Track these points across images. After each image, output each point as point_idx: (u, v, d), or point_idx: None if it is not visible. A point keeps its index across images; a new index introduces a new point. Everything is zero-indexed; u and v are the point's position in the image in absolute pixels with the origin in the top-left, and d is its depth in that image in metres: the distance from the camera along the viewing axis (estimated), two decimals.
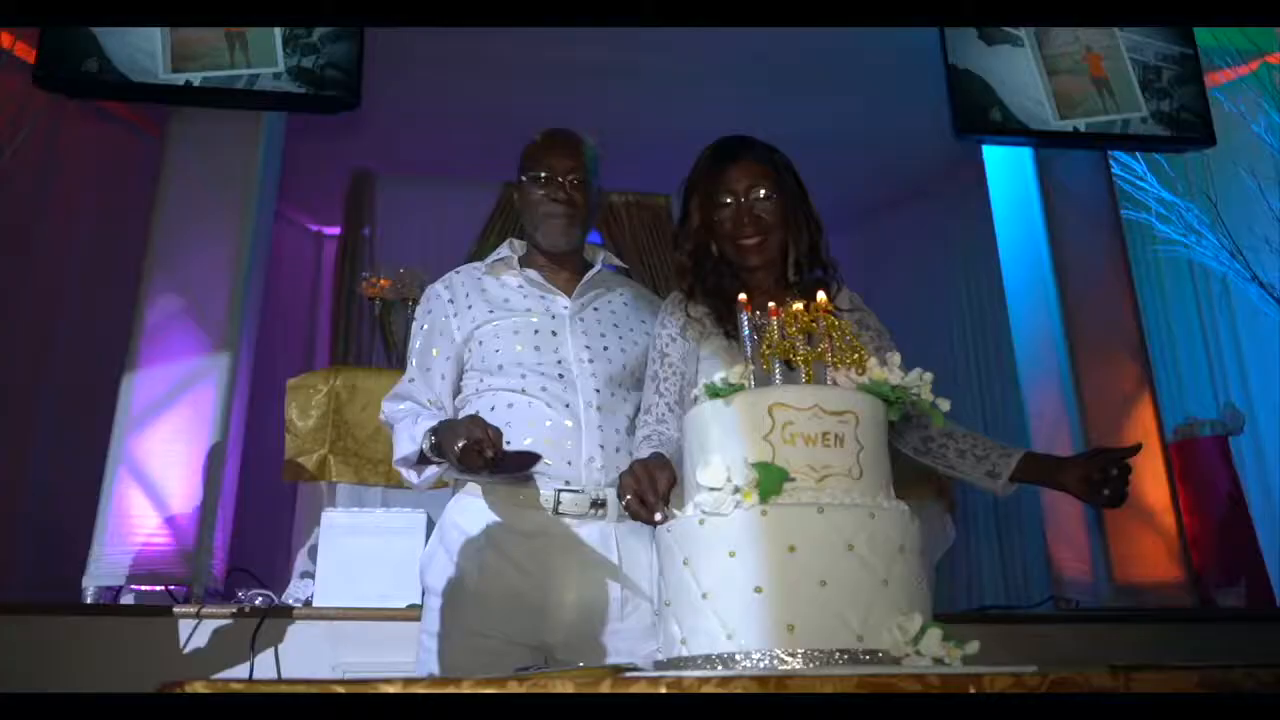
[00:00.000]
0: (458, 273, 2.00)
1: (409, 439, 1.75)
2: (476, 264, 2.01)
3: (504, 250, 1.99)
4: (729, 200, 1.79)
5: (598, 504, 1.75)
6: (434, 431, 1.70)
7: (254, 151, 3.59)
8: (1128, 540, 3.58)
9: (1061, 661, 0.93)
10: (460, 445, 1.57)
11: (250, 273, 3.49)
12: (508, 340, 1.85)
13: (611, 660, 1.68)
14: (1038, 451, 1.76)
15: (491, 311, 1.88)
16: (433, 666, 1.74)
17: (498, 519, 1.77)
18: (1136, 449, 1.68)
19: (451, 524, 1.83)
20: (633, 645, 1.72)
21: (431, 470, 1.77)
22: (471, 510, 1.80)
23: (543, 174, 1.90)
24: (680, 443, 1.62)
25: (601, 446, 1.78)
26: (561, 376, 1.82)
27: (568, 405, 1.80)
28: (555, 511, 1.75)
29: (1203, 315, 4.60)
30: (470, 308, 1.90)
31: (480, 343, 1.86)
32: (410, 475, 1.79)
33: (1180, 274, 4.64)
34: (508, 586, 1.72)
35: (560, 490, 1.74)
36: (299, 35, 3.60)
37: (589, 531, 1.76)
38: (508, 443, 1.63)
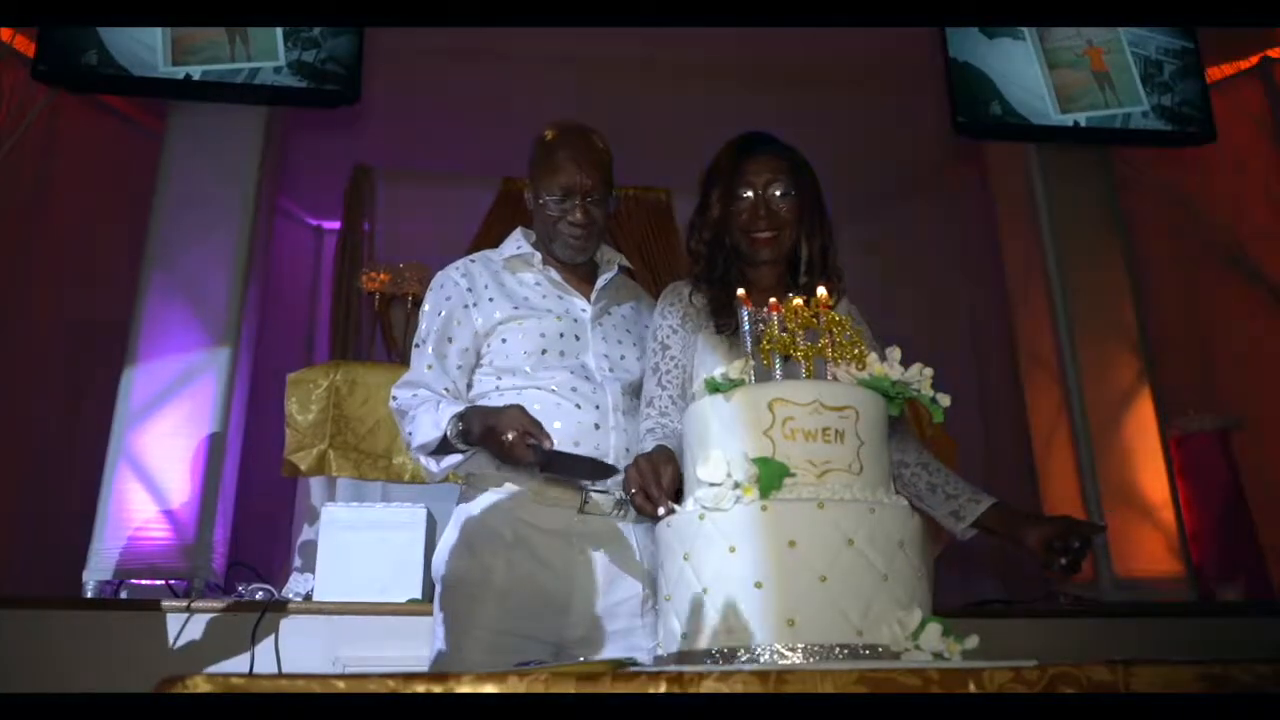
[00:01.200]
0: (474, 261, 1.95)
1: (431, 424, 1.70)
2: (490, 253, 1.98)
3: (522, 244, 1.95)
4: (747, 193, 1.81)
5: (621, 504, 1.76)
6: (461, 418, 1.66)
7: (254, 146, 3.59)
8: (1127, 535, 3.58)
9: (1061, 656, 0.93)
10: (510, 436, 1.54)
11: (250, 267, 3.49)
12: (533, 340, 1.82)
13: (629, 656, 1.69)
14: (1005, 504, 1.74)
15: (516, 308, 1.86)
16: (453, 664, 1.71)
17: (523, 516, 1.76)
18: (1102, 529, 1.74)
19: (474, 519, 1.80)
20: (650, 641, 1.73)
21: (453, 458, 1.73)
22: (496, 506, 1.78)
23: (561, 194, 1.86)
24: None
25: (628, 449, 1.79)
26: (588, 379, 1.82)
27: (597, 406, 1.80)
28: (581, 510, 1.74)
29: (1203, 309, 4.59)
30: (492, 300, 1.87)
31: (504, 340, 1.84)
32: (429, 463, 1.76)
33: (1181, 267, 4.63)
34: (536, 585, 1.72)
35: (588, 490, 1.74)
36: (299, 30, 3.59)
37: (611, 530, 1.77)
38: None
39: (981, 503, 1.71)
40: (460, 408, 1.69)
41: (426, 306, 1.92)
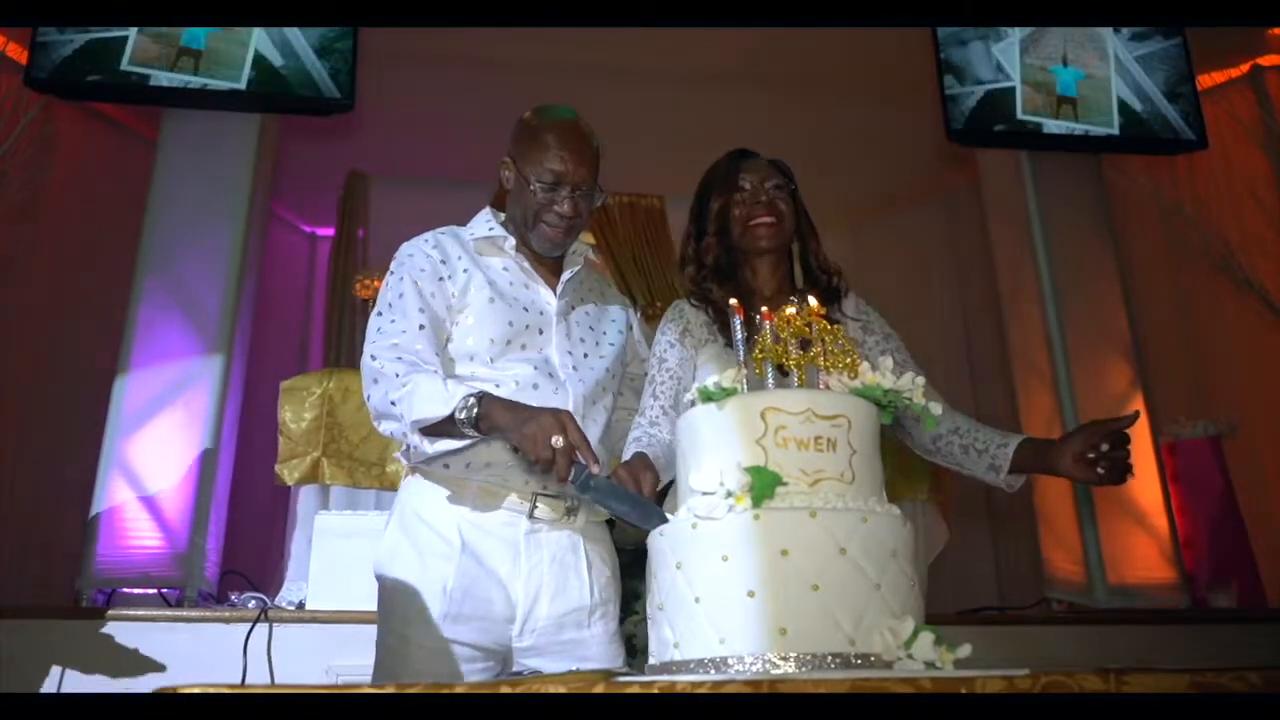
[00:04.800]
0: (442, 233, 1.85)
1: (440, 400, 1.52)
2: (458, 229, 1.88)
3: (493, 225, 1.85)
4: (746, 186, 1.86)
5: (571, 511, 1.72)
6: (479, 401, 1.51)
7: (248, 152, 3.59)
8: (1120, 541, 3.59)
9: (1054, 664, 0.94)
10: (559, 442, 1.42)
11: (244, 274, 3.49)
12: (500, 328, 1.73)
13: (578, 666, 1.67)
14: (1035, 438, 1.66)
15: (492, 283, 1.76)
16: (397, 672, 1.62)
17: (471, 520, 1.68)
18: (1134, 418, 1.56)
19: (419, 520, 1.70)
20: (599, 651, 1.71)
21: (448, 443, 1.57)
22: (444, 507, 1.69)
23: (552, 181, 1.76)
24: (671, 445, 1.62)
25: None
26: (551, 376, 1.75)
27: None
28: (530, 516, 1.69)
29: (1195, 316, 4.61)
30: (466, 273, 1.77)
31: (471, 321, 1.73)
32: (421, 442, 1.57)
33: (1173, 275, 4.65)
34: (483, 593, 1.66)
35: (538, 495, 1.69)
36: (295, 37, 3.59)
37: (559, 537, 1.72)
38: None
39: (1009, 445, 1.64)
40: (472, 389, 1.55)
41: (392, 275, 1.77)
